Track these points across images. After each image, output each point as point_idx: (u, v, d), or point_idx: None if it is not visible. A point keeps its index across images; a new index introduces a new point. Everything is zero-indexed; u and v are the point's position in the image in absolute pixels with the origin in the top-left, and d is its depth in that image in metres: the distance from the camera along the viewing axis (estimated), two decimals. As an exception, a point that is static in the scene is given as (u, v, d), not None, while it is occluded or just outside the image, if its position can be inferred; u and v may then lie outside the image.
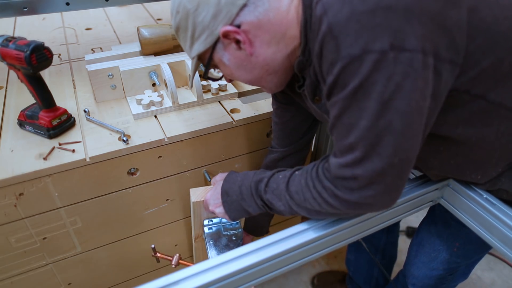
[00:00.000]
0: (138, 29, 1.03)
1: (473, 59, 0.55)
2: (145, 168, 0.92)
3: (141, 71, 1.01)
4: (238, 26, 0.60)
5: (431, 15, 0.51)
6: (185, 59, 1.04)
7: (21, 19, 1.53)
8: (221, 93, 1.06)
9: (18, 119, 0.90)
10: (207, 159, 1.02)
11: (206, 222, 0.95)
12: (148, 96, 0.99)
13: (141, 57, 1.06)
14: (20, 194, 0.80)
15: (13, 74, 1.14)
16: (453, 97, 0.58)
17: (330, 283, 1.58)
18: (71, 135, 0.90)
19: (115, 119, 0.96)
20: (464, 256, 0.92)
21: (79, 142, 0.87)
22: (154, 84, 1.05)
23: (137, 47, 1.08)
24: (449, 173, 0.75)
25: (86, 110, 0.96)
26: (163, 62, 1.01)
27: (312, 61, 0.61)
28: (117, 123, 0.94)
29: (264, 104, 1.04)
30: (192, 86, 0.77)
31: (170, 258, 0.90)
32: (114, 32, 1.44)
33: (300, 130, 0.91)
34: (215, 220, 0.95)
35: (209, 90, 1.06)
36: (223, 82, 1.06)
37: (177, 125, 0.94)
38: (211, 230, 0.94)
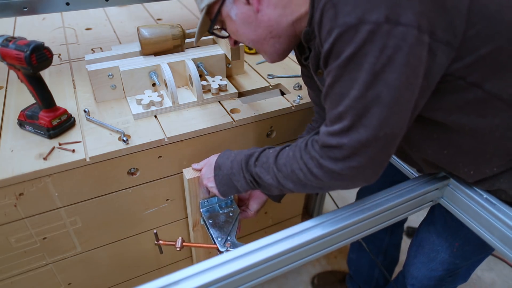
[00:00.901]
0: (138, 29, 1.03)
1: (471, 45, 0.55)
2: (145, 168, 0.92)
3: (141, 71, 1.01)
4: None
5: None
6: (185, 59, 1.04)
7: (21, 19, 1.53)
8: (221, 93, 1.06)
9: (18, 119, 0.90)
10: (207, 159, 1.02)
11: (201, 209, 0.98)
12: (148, 96, 0.99)
13: (141, 57, 1.06)
14: (20, 194, 0.81)
15: (13, 74, 1.14)
16: (448, 82, 0.58)
17: (330, 283, 1.58)
18: (71, 135, 0.90)
19: (115, 119, 0.96)
20: (463, 257, 0.91)
21: (79, 142, 0.87)
22: (154, 84, 1.05)
23: (137, 47, 1.08)
24: (442, 164, 0.75)
25: (86, 110, 0.96)
26: (163, 62, 1.01)
27: (314, 30, 0.62)
28: (117, 123, 0.94)
29: (264, 104, 1.04)
30: (197, 41, 0.79)
31: (173, 243, 0.90)
32: (114, 32, 1.44)
33: None
34: (210, 202, 0.98)
35: (209, 90, 1.06)
36: (223, 82, 1.06)
37: (177, 125, 0.94)
38: (208, 213, 0.97)
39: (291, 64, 1.27)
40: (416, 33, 0.50)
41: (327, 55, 0.56)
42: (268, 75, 1.19)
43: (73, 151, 0.84)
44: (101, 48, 1.30)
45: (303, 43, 0.70)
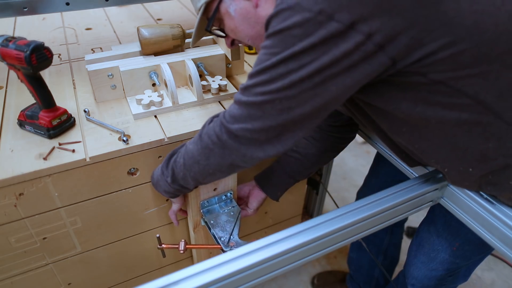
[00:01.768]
0: (138, 29, 1.03)
1: (426, 50, 0.55)
2: (145, 168, 0.92)
3: (141, 71, 1.01)
4: None
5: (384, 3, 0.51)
6: (185, 59, 1.04)
7: (21, 19, 1.53)
8: (221, 93, 1.06)
9: (18, 119, 0.90)
10: (207, 159, 1.02)
11: (202, 210, 0.99)
12: (148, 96, 0.99)
13: (141, 57, 1.06)
14: (20, 194, 0.81)
15: (13, 74, 1.14)
16: (407, 77, 0.58)
17: (330, 283, 1.58)
18: (71, 135, 0.90)
19: (115, 119, 0.96)
20: (463, 257, 0.92)
21: (79, 142, 0.87)
22: (154, 84, 1.05)
23: (137, 47, 1.08)
24: (417, 159, 0.77)
25: (86, 110, 0.96)
26: (163, 62, 1.01)
27: None
28: (117, 123, 0.94)
29: (264, 104, 1.04)
30: (194, 43, 0.81)
31: (177, 246, 0.90)
32: (114, 32, 1.44)
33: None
34: (210, 202, 0.99)
35: (209, 90, 1.06)
36: (223, 82, 1.06)
37: (177, 125, 0.94)
38: (208, 213, 0.97)
39: (291, 64, 1.27)
40: (348, 31, 0.52)
41: (266, 24, 0.58)
42: (268, 75, 1.19)
43: (73, 151, 0.84)
44: (101, 48, 1.30)
45: None
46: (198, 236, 1.03)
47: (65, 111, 0.90)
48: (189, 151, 0.74)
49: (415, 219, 1.84)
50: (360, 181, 1.35)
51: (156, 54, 1.07)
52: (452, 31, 0.54)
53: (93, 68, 0.97)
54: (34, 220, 0.86)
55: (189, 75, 1.02)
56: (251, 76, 0.61)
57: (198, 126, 0.94)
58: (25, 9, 1.01)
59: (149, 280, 0.58)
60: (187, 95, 1.04)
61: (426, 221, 0.99)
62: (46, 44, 0.79)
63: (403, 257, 1.20)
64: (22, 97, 1.02)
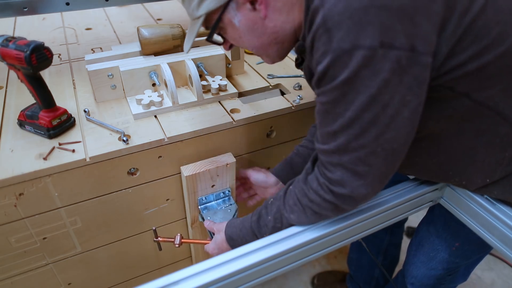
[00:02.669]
0: (138, 29, 1.03)
1: (458, 60, 0.56)
2: (145, 168, 0.92)
3: (141, 71, 1.01)
4: None
5: (425, 15, 0.51)
6: (185, 59, 1.04)
7: (21, 19, 1.53)
8: (221, 93, 1.06)
9: (18, 119, 0.90)
10: (207, 159, 1.02)
11: (199, 206, 0.99)
12: (148, 96, 0.99)
13: (141, 57, 1.06)
14: (20, 194, 0.81)
15: (13, 74, 1.14)
16: (437, 92, 0.59)
17: (330, 283, 1.58)
18: (71, 135, 0.90)
19: (115, 119, 0.96)
20: (463, 256, 0.92)
21: (79, 142, 0.87)
22: (154, 84, 1.05)
23: (137, 47, 1.08)
24: (433, 173, 0.76)
25: (86, 110, 0.96)
26: (163, 62, 1.01)
27: (306, 48, 0.62)
28: (117, 123, 0.94)
29: (264, 104, 1.04)
30: (188, 50, 0.74)
31: (172, 240, 0.91)
32: (114, 32, 1.44)
33: None
34: (208, 199, 1.00)
35: (209, 90, 1.06)
36: (223, 82, 1.06)
37: (177, 125, 0.94)
38: (206, 210, 0.98)
39: (291, 64, 1.27)
40: (410, 54, 0.51)
41: (321, 77, 0.56)
42: (268, 75, 1.19)
43: (73, 151, 0.84)
44: (101, 48, 1.30)
45: (296, 53, 0.71)
46: (196, 232, 1.04)
47: (65, 111, 0.90)
48: (294, 221, 0.72)
49: (415, 219, 1.84)
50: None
51: (156, 54, 1.07)
52: (480, 41, 0.55)
53: (93, 68, 0.97)
54: (34, 220, 0.86)
55: (189, 75, 1.02)
56: (335, 133, 0.58)
57: (198, 126, 0.94)
58: (25, 9, 1.01)
59: (149, 280, 0.58)
60: (187, 95, 1.04)
61: (425, 221, 0.99)
62: (46, 44, 0.79)
63: (402, 256, 1.20)
64: (22, 97, 1.02)
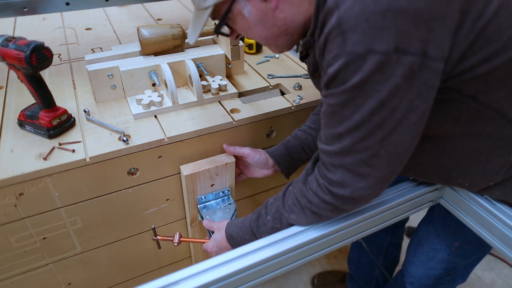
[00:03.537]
0: (138, 29, 1.03)
1: (468, 63, 0.56)
2: (145, 168, 0.92)
3: (141, 71, 1.01)
4: None
5: (440, 20, 0.51)
6: (185, 59, 1.04)
7: (21, 19, 1.53)
8: (221, 93, 1.06)
9: (18, 119, 0.90)
10: (207, 159, 1.02)
11: (199, 205, 0.99)
12: (148, 96, 0.99)
13: (141, 57, 1.06)
14: (20, 194, 0.81)
15: (13, 74, 1.14)
16: (444, 94, 0.59)
17: (330, 283, 1.58)
18: (71, 135, 0.90)
19: (115, 119, 0.96)
20: (462, 256, 0.92)
21: (79, 142, 0.87)
22: (154, 84, 1.05)
23: (137, 47, 1.08)
24: (436, 176, 0.75)
25: (86, 110, 0.96)
26: (163, 62, 1.01)
27: (316, 46, 0.61)
28: (117, 123, 0.94)
29: (264, 104, 1.04)
30: (194, 41, 0.72)
31: (171, 238, 0.91)
32: (114, 32, 1.44)
33: None
34: (207, 198, 1.00)
35: (209, 90, 1.06)
36: (223, 82, 1.06)
37: (177, 125, 0.94)
38: (205, 209, 0.98)
39: (291, 64, 1.27)
40: (422, 59, 0.51)
41: (332, 78, 0.55)
42: (268, 75, 1.19)
43: (73, 151, 0.84)
44: (101, 48, 1.30)
45: (301, 48, 0.70)
46: (195, 230, 1.04)
47: (65, 111, 0.90)
48: (294, 221, 0.72)
49: (415, 219, 1.84)
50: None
51: (156, 54, 1.07)
52: (491, 45, 0.55)
53: (93, 68, 0.97)
54: (34, 220, 0.86)
55: (189, 75, 1.02)
56: (340, 135, 0.58)
57: (198, 126, 0.94)
58: (25, 9, 1.01)
59: (149, 280, 0.58)
60: (187, 95, 1.04)
61: (425, 221, 0.99)
62: (46, 44, 0.79)
63: (402, 256, 1.20)
64: (22, 97, 1.02)
